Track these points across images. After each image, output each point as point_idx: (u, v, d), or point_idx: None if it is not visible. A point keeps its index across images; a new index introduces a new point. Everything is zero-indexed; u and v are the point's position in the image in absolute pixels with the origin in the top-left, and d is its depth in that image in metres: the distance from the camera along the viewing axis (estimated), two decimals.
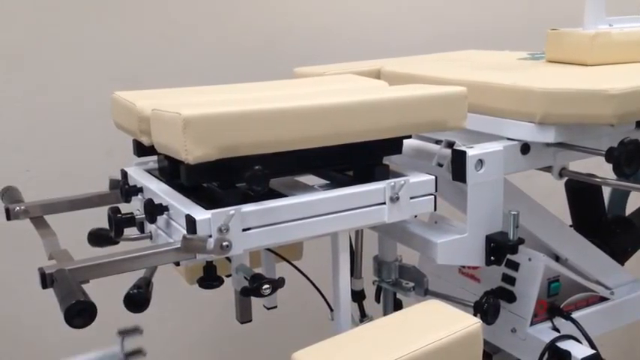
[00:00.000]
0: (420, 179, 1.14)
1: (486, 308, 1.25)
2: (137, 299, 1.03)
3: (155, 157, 1.24)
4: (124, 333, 1.06)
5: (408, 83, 1.29)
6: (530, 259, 1.35)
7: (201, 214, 0.96)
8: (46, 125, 1.78)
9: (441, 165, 1.26)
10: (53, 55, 1.76)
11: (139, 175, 1.21)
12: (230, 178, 1.03)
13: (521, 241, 1.22)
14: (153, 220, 1.08)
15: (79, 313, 0.83)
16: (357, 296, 1.47)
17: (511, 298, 1.36)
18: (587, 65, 1.43)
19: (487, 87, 1.29)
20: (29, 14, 1.72)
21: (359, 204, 1.09)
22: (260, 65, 1.96)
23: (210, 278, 1.15)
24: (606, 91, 1.14)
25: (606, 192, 1.67)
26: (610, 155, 1.15)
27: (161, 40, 1.87)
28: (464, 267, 1.49)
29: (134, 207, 1.21)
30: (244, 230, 0.99)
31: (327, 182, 1.19)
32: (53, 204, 1.25)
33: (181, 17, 1.89)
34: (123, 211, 1.12)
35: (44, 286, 0.90)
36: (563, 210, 1.58)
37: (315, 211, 1.05)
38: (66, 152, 1.81)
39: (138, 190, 1.18)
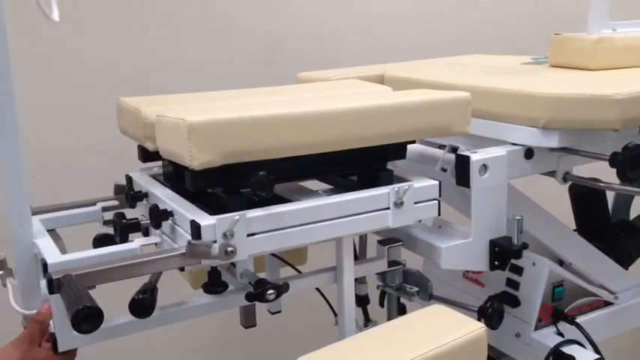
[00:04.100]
0: (424, 184, 1.14)
1: (490, 313, 1.25)
2: (143, 305, 1.04)
3: (160, 163, 1.24)
4: None
5: (412, 88, 1.29)
6: (534, 264, 1.35)
7: (205, 220, 0.97)
8: (51, 131, 1.78)
9: (444, 170, 1.26)
10: (59, 59, 1.77)
11: (143, 181, 1.22)
12: (235, 183, 1.03)
13: (525, 245, 1.22)
14: (158, 226, 1.09)
15: (86, 318, 0.83)
16: (361, 301, 1.47)
17: (515, 302, 1.36)
18: (590, 70, 1.43)
19: (491, 92, 1.29)
20: (35, 18, 1.73)
21: (363, 209, 1.09)
22: (266, 70, 1.97)
23: (214, 283, 1.16)
24: (610, 96, 1.14)
25: (610, 196, 1.67)
26: (614, 160, 1.15)
27: (168, 45, 1.88)
28: (468, 272, 1.49)
29: (139, 212, 1.21)
30: (249, 235, 0.99)
31: (331, 187, 1.19)
32: (59, 209, 1.25)
33: (188, 23, 1.90)
34: (127, 217, 1.13)
35: (51, 291, 0.90)
36: (567, 214, 1.58)
37: (319, 216, 1.05)
38: (72, 157, 1.81)
39: (143, 195, 1.19)
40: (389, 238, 1.27)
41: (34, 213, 1.20)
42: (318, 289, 1.37)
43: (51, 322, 1.03)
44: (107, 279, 0.94)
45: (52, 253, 1.00)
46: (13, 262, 1.06)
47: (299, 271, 1.35)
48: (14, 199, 1.01)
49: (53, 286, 0.90)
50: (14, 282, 1.08)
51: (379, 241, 1.27)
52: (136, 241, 1.07)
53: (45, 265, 0.96)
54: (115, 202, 1.28)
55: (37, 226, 1.12)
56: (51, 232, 1.17)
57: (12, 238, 1.03)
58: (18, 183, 1.00)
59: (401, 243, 1.26)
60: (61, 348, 1.02)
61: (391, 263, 1.27)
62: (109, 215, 1.23)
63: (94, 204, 1.28)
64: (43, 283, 0.99)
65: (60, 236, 1.19)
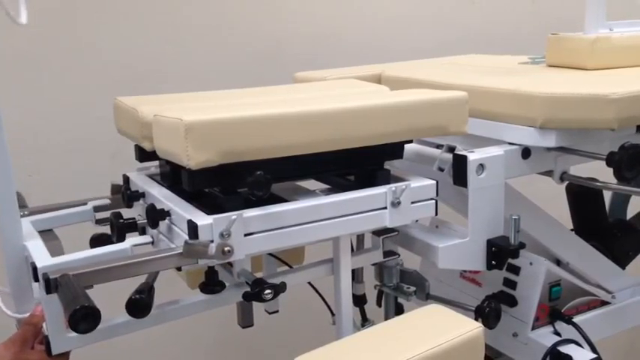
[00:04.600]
0: (421, 184, 1.14)
1: (488, 312, 1.25)
2: (140, 304, 1.04)
3: (157, 163, 1.24)
4: None
5: (409, 88, 1.29)
6: (531, 264, 1.35)
7: (202, 220, 0.97)
8: (49, 130, 1.79)
9: (442, 169, 1.26)
10: (57, 58, 1.77)
11: (140, 181, 1.22)
12: (232, 183, 1.03)
13: (522, 245, 1.22)
14: (155, 226, 1.09)
15: (84, 318, 0.83)
16: (359, 301, 1.47)
17: (512, 302, 1.36)
18: (587, 70, 1.43)
19: (488, 92, 1.29)
20: (34, 17, 1.73)
21: (360, 209, 1.09)
22: (265, 70, 1.97)
23: (211, 283, 1.16)
24: (607, 96, 1.14)
25: (607, 196, 1.67)
26: (611, 159, 1.15)
27: (166, 45, 1.88)
28: (465, 271, 1.49)
29: (135, 212, 1.21)
30: (246, 235, 0.99)
31: (328, 187, 1.19)
32: (51, 210, 1.25)
33: (187, 23, 1.90)
34: (124, 216, 1.13)
35: (48, 291, 0.90)
36: (564, 214, 1.58)
37: (316, 215, 1.05)
38: (70, 157, 1.81)
39: (140, 195, 1.19)
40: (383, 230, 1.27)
41: (28, 214, 1.20)
42: (315, 288, 1.37)
43: (44, 325, 1.03)
44: (104, 279, 0.94)
45: (41, 257, 0.99)
46: (3, 267, 1.05)
47: None
48: (2, 202, 0.99)
49: (50, 286, 0.89)
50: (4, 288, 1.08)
51: (374, 232, 1.27)
52: (127, 241, 1.07)
53: (35, 269, 0.96)
54: (107, 202, 1.27)
55: (27, 228, 1.11)
56: (48, 232, 1.17)
57: (1, 242, 1.02)
58: (5, 185, 0.99)
59: (396, 233, 1.26)
60: (54, 350, 1.01)
61: (386, 253, 1.27)
62: (105, 214, 1.23)
63: (85, 204, 1.28)
64: (35, 285, 0.99)
65: (57, 236, 1.19)
